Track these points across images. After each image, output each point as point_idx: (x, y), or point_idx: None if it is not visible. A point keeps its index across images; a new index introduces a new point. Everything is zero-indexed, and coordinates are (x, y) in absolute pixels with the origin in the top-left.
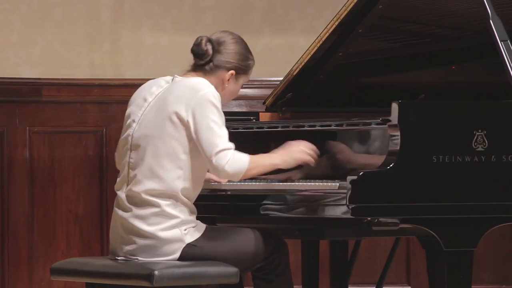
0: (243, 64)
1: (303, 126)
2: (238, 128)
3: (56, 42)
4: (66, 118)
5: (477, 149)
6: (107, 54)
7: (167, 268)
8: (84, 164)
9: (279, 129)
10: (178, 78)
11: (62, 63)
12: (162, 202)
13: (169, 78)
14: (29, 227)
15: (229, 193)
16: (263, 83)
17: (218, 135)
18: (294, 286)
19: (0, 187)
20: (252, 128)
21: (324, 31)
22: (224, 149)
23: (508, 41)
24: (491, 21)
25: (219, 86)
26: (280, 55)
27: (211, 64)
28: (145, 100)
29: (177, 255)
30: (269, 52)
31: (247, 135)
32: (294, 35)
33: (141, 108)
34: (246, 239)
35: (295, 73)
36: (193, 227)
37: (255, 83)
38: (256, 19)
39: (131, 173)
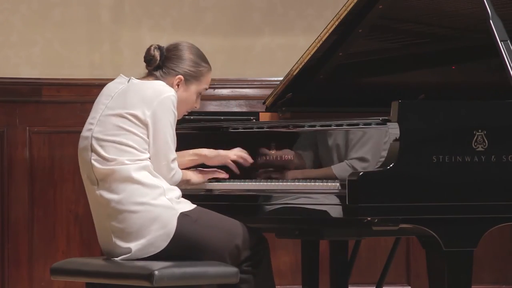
0: (193, 70)
1: (303, 126)
2: (238, 128)
3: (56, 42)
4: (66, 118)
5: (477, 149)
6: (107, 54)
7: (167, 268)
8: None
9: (279, 129)
10: (136, 81)
11: (62, 63)
12: (139, 175)
13: (124, 79)
14: (29, 227)
15: (228, 193)
16: (263, 83)
17: (172, 143)
18: (294, 286)
19: (0, 187)
20: (252, 128)
21: (324, 31)
22: (175, 159)
23: (508, 41)
24: (491, 21)
25: None
26: (280, 55)
27: (160, 70)
28: (103, 103)
29: (173, 224)
30: (269, 52)
31: (247, 135)
32: (294, 35)
33: (98, 111)
34: (235, 223)
35: (295, 73)
36: (183, 198)
37: (255, 83)
38: (256, 19)
39: (97, 167)
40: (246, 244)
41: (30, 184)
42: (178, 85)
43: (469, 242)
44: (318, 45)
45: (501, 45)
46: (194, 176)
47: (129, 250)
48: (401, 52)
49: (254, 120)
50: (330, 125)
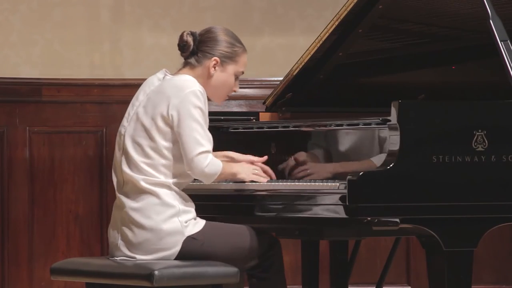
0: (229, 51)
1: (303, 126)
2: (238, 128)
3: (56, 42)
4: (66, 118)
5: (477, 149)
6: (107, 54)
7: (167, 268)
8: (84, 164)
9: (279, 129)
10: (168, 77)
11: (62, 63)
12: (159, 191)
13: (161, 75)
14: (29, 227)
15: (229, 193)
16: (263, 83)
17: (200, 136)
18: (294, 286)
19: (0, 187)
20: (252, 128)
21: (324, 31)
22: (206, 152)
23: (508, 41)
24: (491, 21)
25: (206, 77)
26: (280, 55)
27: (195, 56)
28: (137, 99)
29: (177, 248)
30: (269, 52)
31: (247, 135)
32: (294, 35)
33: (133, 107)
34: (244, 235)
35: (295, 73)
36: (194, 219)
37: (255, 83)
38: (256, 19)
39: (124, 170)
40: (256, 253)
41: (30, 184)
42: (214, 67)
43: (469, 242)
44: (318, 45)
45: (501, 45)
46: (242, 170)
47: (133, 258)
48: (401, 52)
49: (254, 120)
50: (330, 125)
